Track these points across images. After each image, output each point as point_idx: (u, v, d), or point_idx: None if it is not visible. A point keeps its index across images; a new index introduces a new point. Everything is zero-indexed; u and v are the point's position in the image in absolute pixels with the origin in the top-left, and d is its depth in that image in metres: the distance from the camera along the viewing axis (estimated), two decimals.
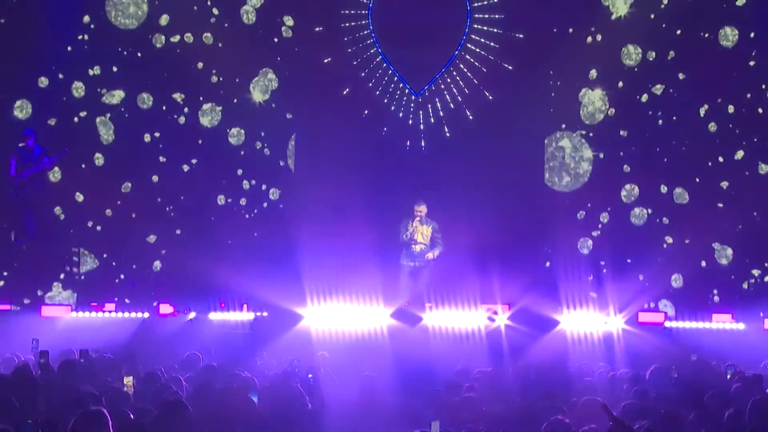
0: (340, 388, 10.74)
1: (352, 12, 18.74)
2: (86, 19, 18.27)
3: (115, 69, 18.28)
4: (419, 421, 8.34)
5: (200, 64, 18.33)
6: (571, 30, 18.37)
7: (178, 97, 18.44)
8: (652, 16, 18.29)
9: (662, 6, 18.31)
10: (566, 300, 16.02)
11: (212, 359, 12.43)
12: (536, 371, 12.03)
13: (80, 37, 18.24)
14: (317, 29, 18.64)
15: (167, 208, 18.47)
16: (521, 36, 18.63)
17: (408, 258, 16.70)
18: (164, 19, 18.30)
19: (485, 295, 16.10)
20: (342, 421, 9.27)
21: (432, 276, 16.84)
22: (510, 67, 18.68)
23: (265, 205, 18.72)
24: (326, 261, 17.30)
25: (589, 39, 18.40)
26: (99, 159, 18.35)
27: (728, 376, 11.98)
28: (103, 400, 8.79)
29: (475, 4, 18.77)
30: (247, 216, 18.65)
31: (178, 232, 18.40)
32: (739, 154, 18.32)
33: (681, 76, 18.24)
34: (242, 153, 18.67)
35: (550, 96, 18.52)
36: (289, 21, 18.50)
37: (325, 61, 18.67)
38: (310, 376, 11.06)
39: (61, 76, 18.18)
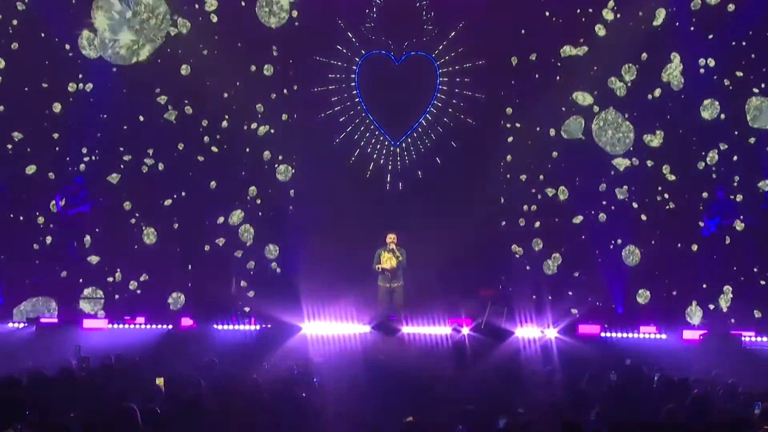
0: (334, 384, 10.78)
1: (341, 76, 19.13)
2: None
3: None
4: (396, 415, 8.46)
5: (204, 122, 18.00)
6: (533, 56, 18.10)
7: None
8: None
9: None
10: (518, 314, 16.15)
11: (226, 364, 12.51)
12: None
13: None
14: (313, 90, 18.93)
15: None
16: (482, 96, 19.04)
17: (384, 280, 16.84)
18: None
19: (451, 310, 16.27)
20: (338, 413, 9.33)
21: (405, 295, 17.01)
22: (471, 122, 19.03)
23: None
24: (320, 282, 17.43)
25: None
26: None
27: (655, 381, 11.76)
28: (134, 398, 8.90)
29: (443, 69, 19.16)
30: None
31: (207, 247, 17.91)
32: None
33: None
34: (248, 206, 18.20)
35: (506, 142, 18.71)
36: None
37: (320, 116, 18.96)
38: (315, 380, 11.08)
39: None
